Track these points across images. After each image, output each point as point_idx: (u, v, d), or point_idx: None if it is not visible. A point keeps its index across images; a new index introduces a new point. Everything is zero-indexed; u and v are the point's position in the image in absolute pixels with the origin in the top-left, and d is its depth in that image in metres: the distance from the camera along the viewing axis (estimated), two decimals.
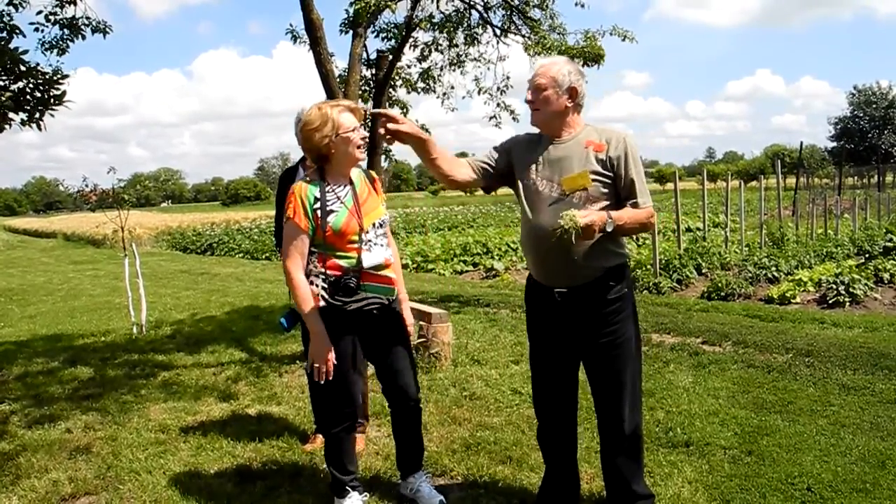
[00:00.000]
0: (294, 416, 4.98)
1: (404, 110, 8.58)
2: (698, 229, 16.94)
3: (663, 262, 11.24)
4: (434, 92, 9.06)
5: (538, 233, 3.06)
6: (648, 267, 11.18)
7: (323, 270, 3.32)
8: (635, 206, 3.06)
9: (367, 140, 3.44)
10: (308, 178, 3.40)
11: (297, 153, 4.52)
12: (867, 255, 11.85)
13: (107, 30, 6.73)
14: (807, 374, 5.52)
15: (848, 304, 8.59)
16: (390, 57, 7.40)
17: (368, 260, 3.34)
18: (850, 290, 8.75)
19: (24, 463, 4.28)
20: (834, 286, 8.92)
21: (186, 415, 5.09)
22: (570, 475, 3.45)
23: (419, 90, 9.03)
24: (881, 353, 5.91)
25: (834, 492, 3.54)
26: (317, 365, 3.30)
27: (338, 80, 6.90)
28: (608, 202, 3.04)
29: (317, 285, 3.33)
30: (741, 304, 9.02)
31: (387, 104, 7.58)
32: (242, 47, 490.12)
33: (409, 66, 8.89)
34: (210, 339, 7.68)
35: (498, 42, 8.95)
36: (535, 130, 3.24)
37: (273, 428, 4.75)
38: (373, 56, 7.65)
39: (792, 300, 9.01)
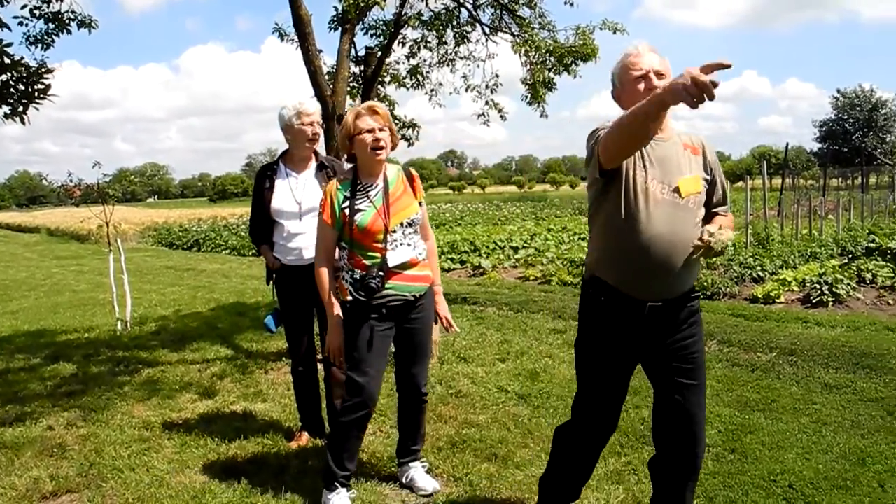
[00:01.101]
0: (279, 414, 4.97)
1: (391, 107, 8.56)
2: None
3: None
4: (423, 88, 9.05)
5: (652, 240, 2.68)
6: None
7: (350, 267, 3.47)
8: (725, 212, 2.93)
9: (378, 141, 3.45)
10: (342, 177, 3.58)
11: (284, 148, 4.51)
12: (850, 256, 11.94)
13: (92, 24, 6.67)
14: (790, 372, 5.56)
15: (831, 303, 8.65)
16: (379, 54, 7.40)
17: (393, 259, 3.45)
18: (834, 290, 8.81)
19: (5, 460, 4.25)
20: (818, 286, 8.98)
21: (171, 412, 5.07)
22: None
23: (407, 87, 9.02)
24: (863, 352, 5.96)
25: (815, 489, 3.57)
26: (332, 356, 3.56)
27: (326, 76, 6.90)
28: (705, 208, 2.86)
29: (345, 280, 3.49)
30: (726, 303, 9.07)
31: (375, 100, 7.56)
32: (230, 42, 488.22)
33: (397, 63, 8.89)
34: (195, 336, 7.64)
35: (487, 40, 8.94)
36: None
37: (258, 425, 4.73)
38: (361, 53, 7.64)
39: (776, 300, 9.07)
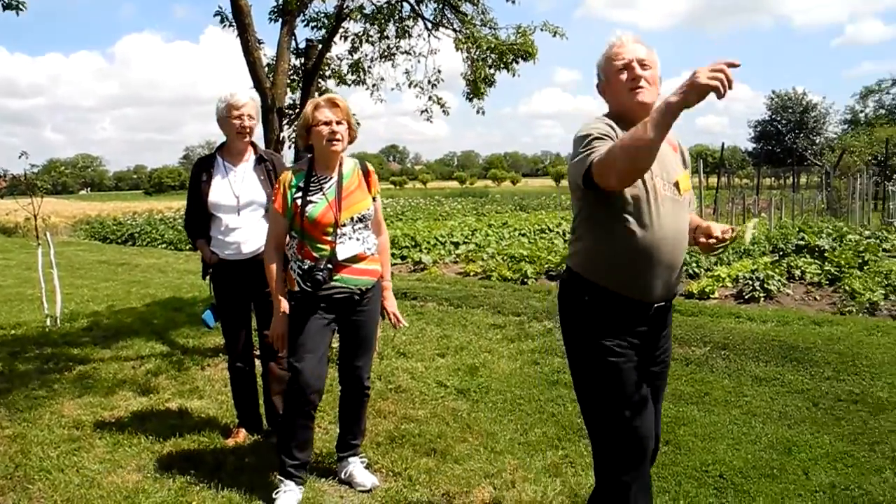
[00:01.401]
0: (216, 410, 4.89)
1: None
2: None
3: None
4: (364, 84, 8.99)
5: (657, 239, 2.52)
6: None
7: (299, 257, 3.50)
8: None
9: (335, 134, 3.47)
10: (297, 169, 3.60)
11: (223, 140, 4.43)
12: (781, 253, 12.30)
13: (20, 6, 6.42)
14: (722, 366, 5.71)
15: (762, 299, 8.90)
16: (320, 47, 7.32)
17: (342, 253, 3.48)
18: (765, 285, 9.07)
19: None
20: (750, 282, 9.23)
21: (102, 410, 4.94)
22: None
23: (349, 82, 8.96)
24: (791, 345, 6.17)
25: (744, 478, 3.69)
26: (276, 345, 3.61)
27: (266, 68, 6.80)
28: None
29: (293, 269, 3.52)
30: None
31: (316, 94, 7.49)
32: (167, 31, 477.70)
33: (339, 58, 8.81)
34: (129, 332, 7.46)
35: (429, 35, 8.93)
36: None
37: (194, 422, 4.65)
38: (302, 45, 7.55)
39: (711, 295, 9.29)
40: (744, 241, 2.59)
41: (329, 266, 3.44)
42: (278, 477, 3.58)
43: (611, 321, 2.61)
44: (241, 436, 4.37)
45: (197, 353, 6.45)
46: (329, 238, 3.48)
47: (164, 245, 20.86)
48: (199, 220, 4.29)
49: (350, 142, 3.60)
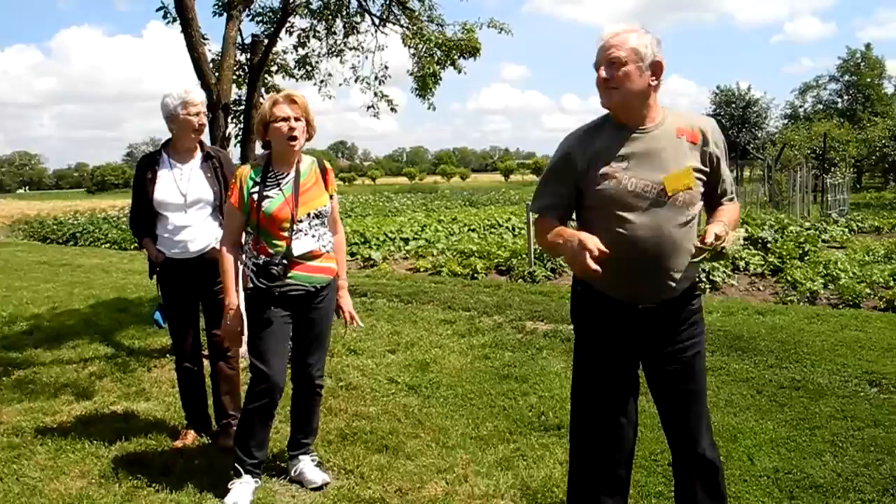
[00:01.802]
0: (163, 413, 4.80)
1: None
2: (572, 220, 17.44)
3: (538, 251, 11.52)
4: (311, 79, 8.91)
5: (637, 243, 2.52)
6: (523, 256, 11.44)
7: (254, 253, 3.47)
8: (732, 201, 2.68)
9: (293, 130, 3.44)
10: (254, 164, 3.58)
11: (168, 138, 4.34)
12: None
13: None
14: None
15: (708, 290, 9.09)
16: (266, 42, 7.22)
17: (297, 249, 3.46)
18: (711, 277, 9.27)
19: None
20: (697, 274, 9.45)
21: (44, 415, 4.80)
22: None
23: (296, 77, 8.86)
24: (736, 335, 6.31)
25: None
26: (227, 342, 3.63)
27: (211, 63, 6.69)
28: (701, 203, 2.65)
29: (248, 266, 3.51)
30: None
31: (262, 89, 7.39)
32: (109, 25, 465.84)
33: (285, 53, 8.71)
34: (72, 334, 7.27)
35: (376, 31, 8.88)
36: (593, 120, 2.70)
37: (141, 425, 4.56)
38: (248, 40, 7.44)
39: None
40: (727, 252, 2.47)
41: (284, 262, 3.42)
42: (234, 470, 3.56)
43: (596, 318, 2.73)
44: (190, 437, 4.30)
45: (143, 354, 6.32)
46: (285, 234, 3.46)
47: (107, 245, 20.37)
48: (145, 219, 4.21)
49: (308, 139, 3.58)
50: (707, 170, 2.60)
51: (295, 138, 3.46)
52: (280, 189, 3.49)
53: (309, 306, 3.59)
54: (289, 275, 3.45)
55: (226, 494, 3.48)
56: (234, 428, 4.29)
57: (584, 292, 2.74)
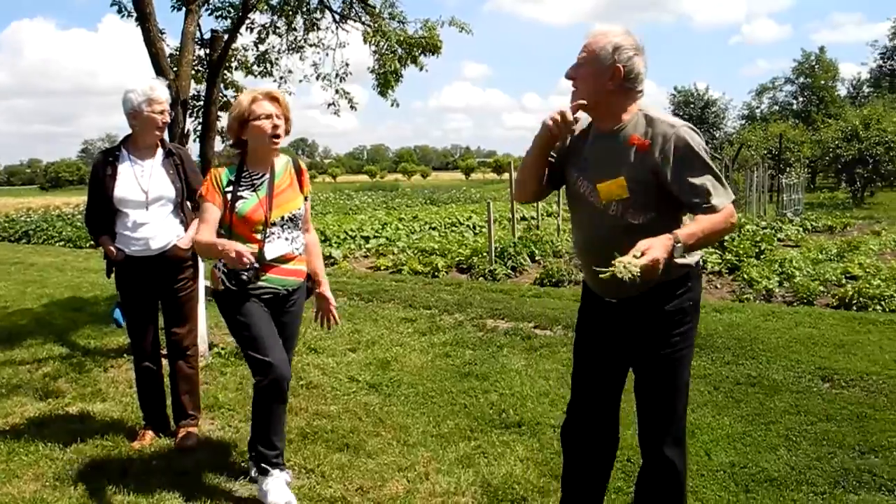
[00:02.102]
0: (121, 413, 4.72)
1: (238, 92, 8.30)
2: (532, 218, 17.61)
3: (498, 249, 11.57)
4: (271, 76, 8.84)
5: (582, 244, 2.75)
6: (484, 255, 11.48)
7: None
8: (710, 210, 2.46)
9: (277, 129, 3.36)
10: (227, 163, 3.50)
11: (124, 134, 4.27)
12: None
13: None
14: None
15: None
16: (225, 37, 7.15)
17: (270, 252, 3.40)
18: None
19: None
20: None
21: None
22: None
23: (256, 74, 8.78)
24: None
25: None
26: (243, 261, 3.19)
27: (169, 59, 6.59)
28: (654, 212, 2.54)
29: (219, 268, 3.41)
30: (571, 289, 9.45)
31: (221, 85, 7.31)
32: (62, 18, 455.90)
33: (245, 49, 8.62)
34: (25, 334, 7.10)
35: (337, 28, 8.84)
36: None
37: (97, 426, 4.47)
38: (207, 36, 7.35)
39: None
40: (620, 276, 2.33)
41: (256, 266, 3.32)
42: (259, 471, 3.48)
43: (584, 303, 2.91)
44: (148, 438, 4.24)
45: (99, 354, 6.20)
46: (257, 236, 3.39)
47: (62, 243, 19.94)
48: (103, 216, 4.13)
49: (285, 134, 3.48)
50: (652, 180, 2.51)
51: (279, 136, 3.38)
52: (254, 190, 3.41)
53: (280, 309, 3.54)
54: (261, 278, 3.39)
55: (263, 494, 3.40)
56: (192, 427, 4.26)
57: (583, 286, 2.92)
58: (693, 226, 2.44)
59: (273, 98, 3.39)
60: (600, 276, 2.29)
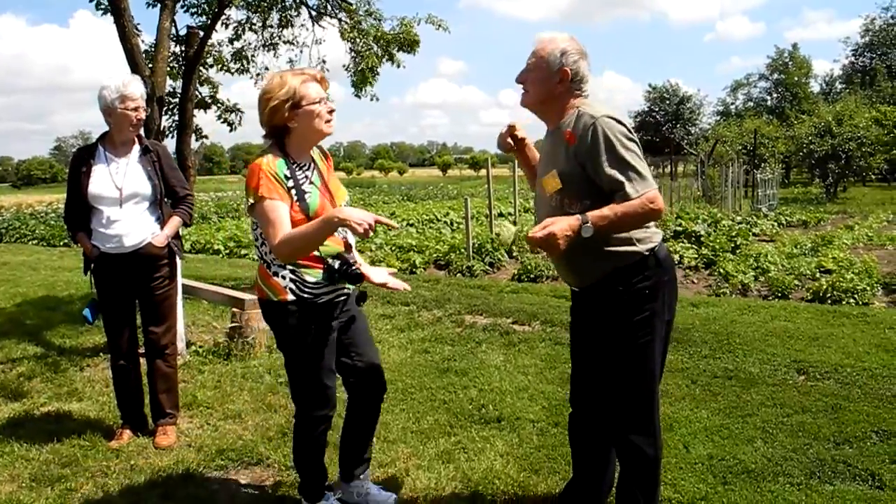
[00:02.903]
0: (97, 412, 4.67)
1: (214, 90, 8.25)
2: (510, 214, 17.62)
3: (476, 245, 11.59)
4: (248, 72, 8.79)
5: None
6: (462, 250, 11.49)
7: (296, 265, 2.97)
8: (624, 198, 2.59)
9: (332, 113, 3.01)
10: (272, 153, 2.96)
11: (98, 132, 4.24)
12: (661, 239, 12.86)
13: None
14: None
15: None
16: (201, 34, 7.09)
17: (352, 241, 3.06)
18: None
19: None
20: None
21: None
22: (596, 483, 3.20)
23: (232, 71, 8.73)
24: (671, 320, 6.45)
25: None
26: (363, 227, 2.71)
27: (144, 55, 6.53)
28: (590, 199, 2.65)
29: (284, 277, 2.97)
30: (549, 285, 9.49)
31: (197, 82, 7.25)
32: (32, 14, 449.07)
33: (219, 44, 8.57)
34: None
35: (314, 25, 8.81)
36: None
37: (73, 426, 4.43)
38: (183, 32, 7.29)
39: None
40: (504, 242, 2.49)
41: (351, 262, 2.98)
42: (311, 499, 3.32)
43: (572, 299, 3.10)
44: (126, 437, 4.21)
45: (75, 353, 6.14)
46: (338, 235, 3.01)
47: (35, 241, 19.70)
48: (79, 213, 4.10)
49: None
50: (578, 170, 2.67)
51: (330, 122, 3.02)
52: (311, 181, 3.01)
53: (344, 308, 3.17)
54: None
55: None
56: (170, 427, 4.24)
57: None
58: (605, 209, 2.58)
59: (321, 80, 3.01)
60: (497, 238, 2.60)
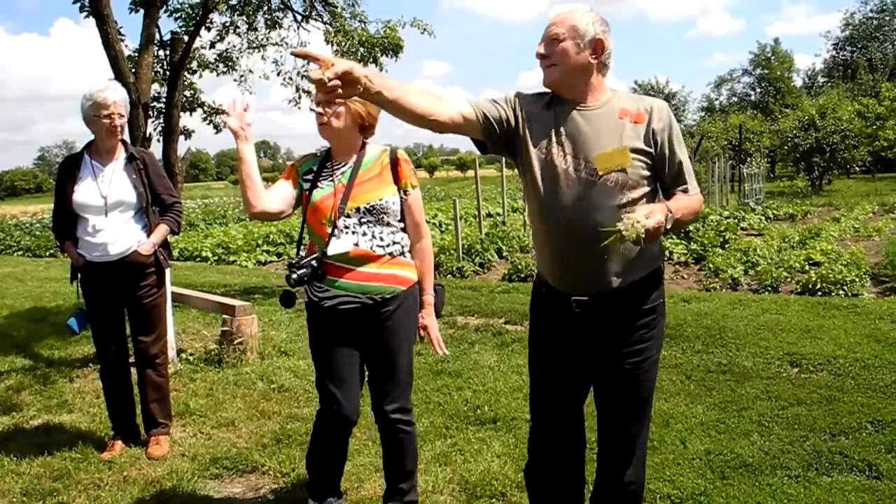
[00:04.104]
0: (89, 424, 4.62)
1: (195, 94, 8.19)
2: (498, 214, 17.64)
3: (466, 246, 11.58)
4: (232, 73, 8.76)
5: (561, 224, 2.41)
6: (452, 252, 11.48)
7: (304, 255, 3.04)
8: (685, 192, 2.42)
9: (321, 115, 2.99)
10: (316, 153, 3.17)
11: (82, 141, 4.20)
12: None
13: None
14: None
15: None
16: (186, 39, 7.04)
17: (334, 248, 2.96)
18: None
19: None
20: None
21: None
22: None
23: (218, 72, 8.68)
24: (665, 323, 6.45)
25: None
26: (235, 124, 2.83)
27: (128, 61, 6.48)
28: (648, 188, 2.42)
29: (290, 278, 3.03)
30: None
31: (182, 87, 7.19)
32: (12, 23, 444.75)
33: (203, 48, 8.51)
34: None
35: (299, 27, 8.77)
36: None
37: (64, 438, 4.37)
38: (167, 37, 7.24)
39: None
40: (627, 236, 2.11)
41: (313, 264, 2.96)
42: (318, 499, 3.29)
43: (542, 308, 2.64)
44: (118, 448, 4.15)
45: (64, 364, 6.07)
46: (327, 229, 2.98)
47: (20, 252, 19.53)
48: (66, 221, 4.06)
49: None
50: (651, 151, 2.39)
51: (323, 125, 3.05)
52: (333, 179, 3.04)
53: (373, 324, 3.04)
54: (337, 284, 2.98)
55: None
56: (165, 437, 4.20)
57: (536, 286, 2.67)
58: (678, 202, 2.36)
59: (315, 81, 3.04)
60: (603, 239, 2.16)
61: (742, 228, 14.57)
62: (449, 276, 10.58)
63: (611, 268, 2.41)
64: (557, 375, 2.61)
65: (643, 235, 2.11)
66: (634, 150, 2.37)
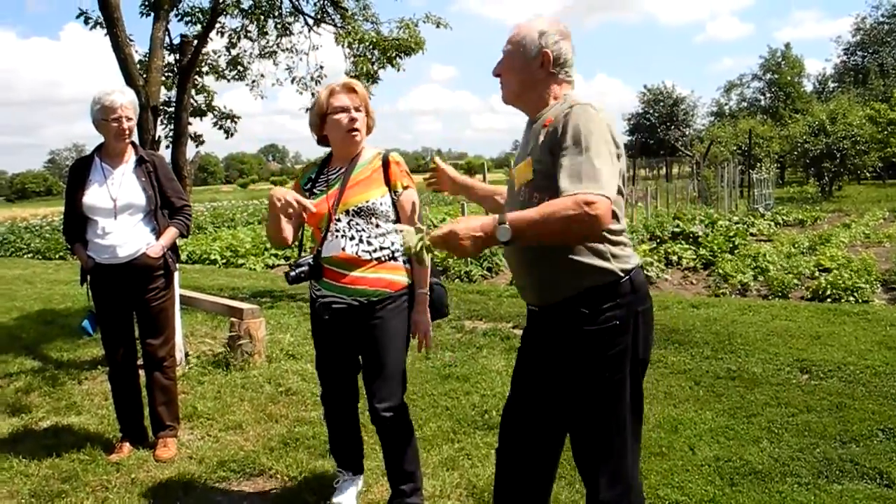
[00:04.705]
0: (97, 426, 4.63)
1: (209, 97, 8.21)
2: None
3: None
4: (243, 79, 8.77)
5: None
6: None
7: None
8: (561, 194, 2.11)
9: (354, 122, 3.10)
10: (313, 162, 3.37)
11: (92, 144, 4.22)
12: (658, 240, 12.83)
13: None
14: None
15: None
16: (195, 42, 7.06)
17: (325, 251, 3.10)
18: (645, 272, 9.46)
19: None
20: None
21: None
22: None
23: (228, 78, 8.71)
24: (672, 328, 6.44)
25: None
26: (287, 210, 2.95)
27: (138, 65, 6.51)
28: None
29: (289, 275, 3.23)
30: None
31: (191, 90, 7.22)
32: (22, 27, 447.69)
33: (215, 53, 8.55)
34: None
35: (310, 32, 8.79)
36: None
37: (73, 440, 4.38)
38: (176, 41, 7.27)
39: None
40: (405, 249, 2.20)
41: (308, 265, 3.11)
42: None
43: (525, 330, 2.61)
44: (126, 450, 4.16)
45: (73, 366, 6.09)
46: (321, 232, 3.14)
47: (30, 255, 19.61)
48: (76, 224, 4.08)
49: (368, 132, 3.24)
50: (550, 159, 2.22)
51: (357, 130, 3.11)
52: (328, 184, 3.19)
53: (363, 323, 3.14)
54: (324, 285, 3.14)
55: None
56: (173, 439, 4.20)
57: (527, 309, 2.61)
58: (531, 209, 2.11)
59: (350, 89, 3.13)
60: (402, 245, 2.20)
61: (751, 234, 14.50)
62: (457, 280, 10.57)
63: (531, 281, 2.40)
64: (524, 386, 2.52)
65: (425, 247, 2.14)
66: (537, 160, 2.28)
